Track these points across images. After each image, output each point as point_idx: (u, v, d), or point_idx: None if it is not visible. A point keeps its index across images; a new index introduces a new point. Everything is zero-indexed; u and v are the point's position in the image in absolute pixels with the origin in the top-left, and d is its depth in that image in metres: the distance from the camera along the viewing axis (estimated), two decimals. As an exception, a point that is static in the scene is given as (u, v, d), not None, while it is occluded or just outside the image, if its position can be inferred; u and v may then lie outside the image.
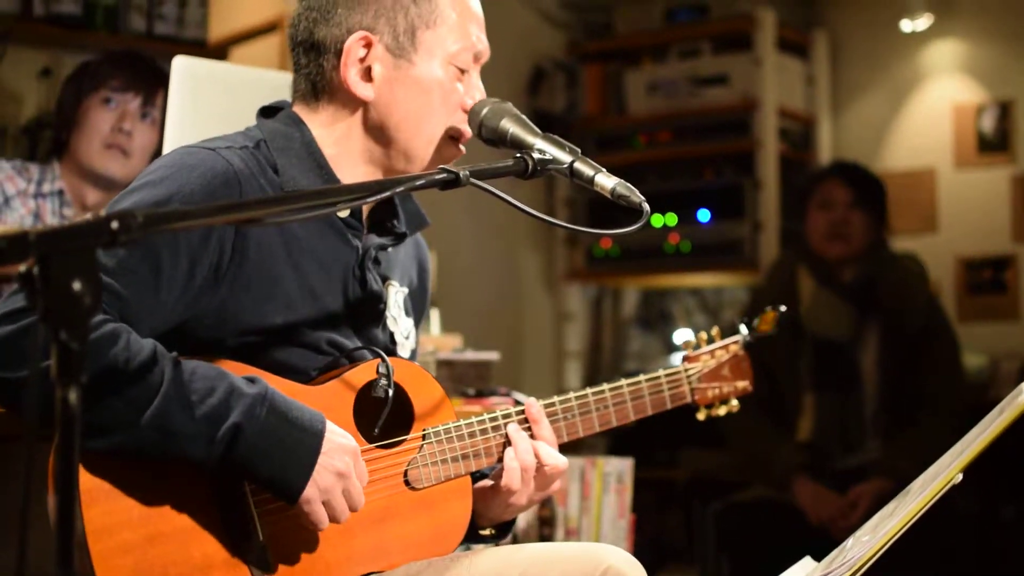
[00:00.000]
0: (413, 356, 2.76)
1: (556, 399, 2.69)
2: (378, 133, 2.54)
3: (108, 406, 2.10)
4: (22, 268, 1.56)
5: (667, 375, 2.84)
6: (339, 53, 2.51)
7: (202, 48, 6.01)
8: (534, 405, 2.65)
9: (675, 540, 6.97)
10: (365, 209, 2.59)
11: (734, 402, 2.95)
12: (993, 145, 6.94)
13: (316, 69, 2.55)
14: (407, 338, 2.70)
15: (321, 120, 2.56)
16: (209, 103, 3.41)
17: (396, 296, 2.67)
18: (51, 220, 4.25)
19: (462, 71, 2.57)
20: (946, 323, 5.60)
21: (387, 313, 2.63)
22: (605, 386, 2.76)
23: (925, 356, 5.38)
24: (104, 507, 2.17)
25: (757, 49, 7.00)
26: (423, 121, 2.53)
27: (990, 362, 6.58)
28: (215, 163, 2.37)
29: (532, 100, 7.47)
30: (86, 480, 2.16)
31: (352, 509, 2.32)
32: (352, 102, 2.54)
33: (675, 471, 6.97)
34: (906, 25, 6.90)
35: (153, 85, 4.34)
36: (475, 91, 2.60)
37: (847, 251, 5.50)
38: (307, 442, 2.25)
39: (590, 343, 7.86)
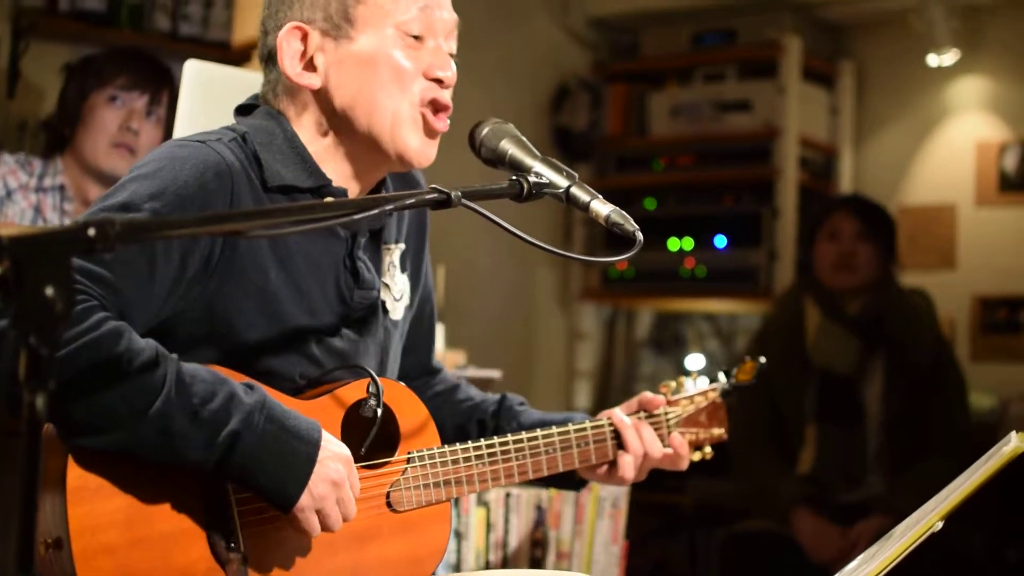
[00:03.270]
0: (419, 312, 2.77)
1: (539, 433, 2.68)
2: (338, 121, 2.50)
3: (108, 404, 2.10)
4: (-4, 271, 1.55)
5: (647, 416, 2.83)
6: None
7: (226, 50, 6.01)
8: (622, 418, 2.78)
9: (679, 567, 6.94)
10: (352, 196, 2.57)
11: (708, 449, 2.96)
12: (1015, 184, 6.91)
13: (276, 75, 2.55)
14: (399, 299, 2.67)
15: (291, 120, 2.54)
16: (219, 108, 3.39)
17: (392, 256, 2.66)
18: (52, 215, 4.26)
19: (417, 38, 2.50)
20: (953, 360, 5.59)
21: (381, 280, 2.62)
22: (587, 423, 2.75)
23: (931, 393, 5.37)
24: (91, 506, 2.16)
25: (782, 77, 6.99)
26: (376, 94, 2.47)
27: (1000, 403, 6.54)
28: (207, 155, 2.37)
29: (555, 117, 7.47)
30: (76, 477, 2.15)
31: (345, 519, 2.32)
32: (305, 96, 2.51)
33: (682, 497, 6.94)
34: (932, 60, 6.87)
35: (158, 83, 4.36)
36: (439, 58, 2.51)
37: (854, 282, 5.49)
38: (303, 451, 2.24)
39: (602, 364, 7.85)
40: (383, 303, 2.61)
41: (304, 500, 2.24)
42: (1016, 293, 6.84)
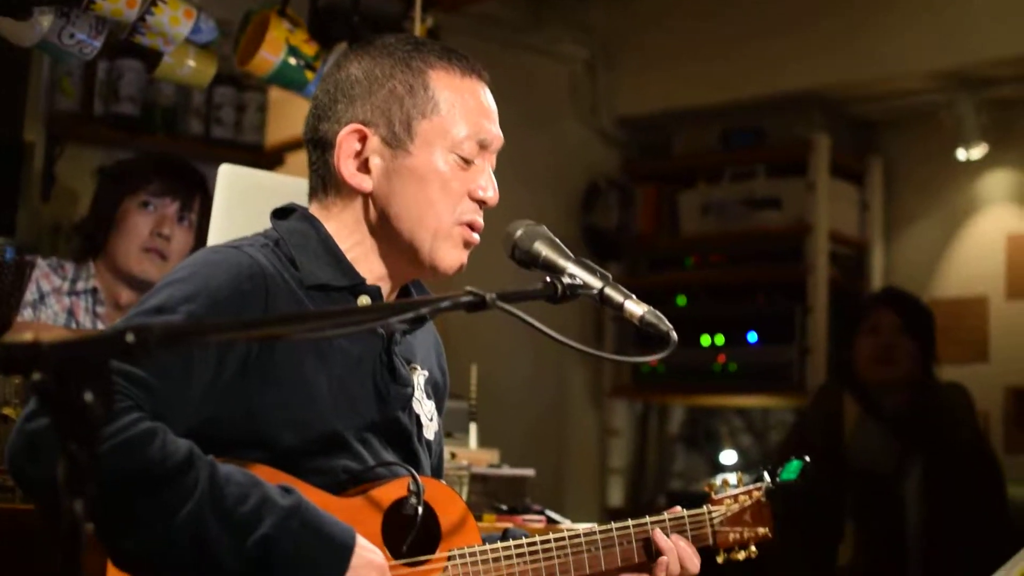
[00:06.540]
0: (438, 439, 2.75)
1: (580, 530, 2.66)
2: (383, 226, 2.54)
3: (140, 506, 2.10)
4: (36, 376, 1.56)
5: (690, 516, 2.81)
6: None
7: (258, 152, 6.05)
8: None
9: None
10: (386, 297, 2.59)
11: (753, 548, 2.92)
12: (1047, 277, 6.89)
13: (323, 164, 2.58)
14: (431, 420, 2.68)
15: (333, 216, 2.57)
16: (254, 211, 3.41)
17: (419, 379, 2.66)
18: (84, 318, 4.27)
19: (466, 160, 2.55)
20: (991, 454, 5.56)
21: (413, 395, 2.63)
22: (630, 521, 2.72)
23: (969, 488, 5.34)
24: None
25: (811, 174, 7.00)
26: (423, 211, 2.52)
27: (1036, 494, 6.48)
28: (240, 259, 2.40)
29: (585, 217, 7.50)
30: None
31: None
32: (354, 195, 2.55)
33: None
34: (961, 154, 6.88)
35: (190, 189, 4.39)
36: (484, 180, 2.57)
37: (893, 375, 5.51)
38: (336, 557, 2.24)
39: (634, 460, 7.82)
40: (418, 417, 2.63)
41: None
42: (1049, 385, 6.81)
